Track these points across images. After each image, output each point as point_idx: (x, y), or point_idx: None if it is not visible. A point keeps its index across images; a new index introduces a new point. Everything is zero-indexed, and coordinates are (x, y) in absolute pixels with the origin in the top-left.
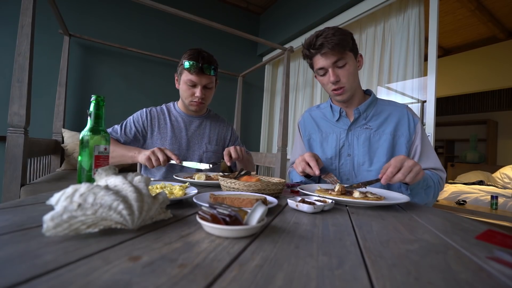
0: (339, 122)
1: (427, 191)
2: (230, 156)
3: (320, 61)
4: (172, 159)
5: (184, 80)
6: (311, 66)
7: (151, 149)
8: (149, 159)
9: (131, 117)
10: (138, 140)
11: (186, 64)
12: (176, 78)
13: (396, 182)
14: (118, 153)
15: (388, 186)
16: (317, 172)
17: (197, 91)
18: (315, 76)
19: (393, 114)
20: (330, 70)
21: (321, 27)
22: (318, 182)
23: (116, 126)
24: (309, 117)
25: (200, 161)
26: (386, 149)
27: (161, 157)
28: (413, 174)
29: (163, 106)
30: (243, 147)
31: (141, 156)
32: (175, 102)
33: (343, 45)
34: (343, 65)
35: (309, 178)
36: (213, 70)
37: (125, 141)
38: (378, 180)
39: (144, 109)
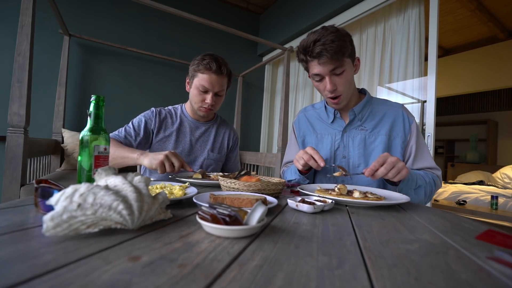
0: (334, 124)
1: (417, 191)
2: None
3: (317, 67)
4: (184, 167)
5: (196, 85)
6: (306, 70)
7: (162, 153)
8: (162, 164)
9: (139, 116)
10: (148, 136)
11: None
12: (187, 81)
13: (379, 176)
14: (119, 155)
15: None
16: (322, 164)
17: (208, 98)
18: (309, 77)
19: (388, 114)
20: (327, 77)
21: None
22: (313, 182)
23: (120, 129)
24: (303, 118)
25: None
26: (381, 150)
27: (176, 163)
28: (395, 170)
29: (171, 108)
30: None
31: (149, 160)
32: (183, 105)
33: (343, 52)
34: (340, 72)
35: (305, 174)
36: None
37: (135, 136)
38: (362, 173)
39: (152, 108)
